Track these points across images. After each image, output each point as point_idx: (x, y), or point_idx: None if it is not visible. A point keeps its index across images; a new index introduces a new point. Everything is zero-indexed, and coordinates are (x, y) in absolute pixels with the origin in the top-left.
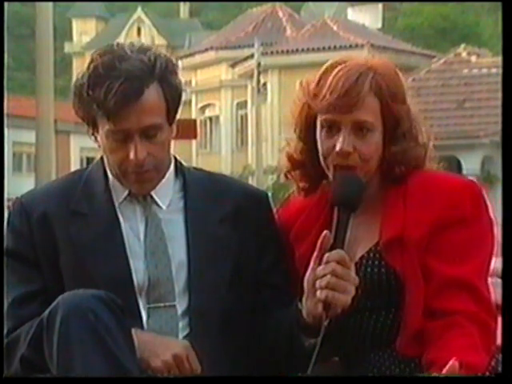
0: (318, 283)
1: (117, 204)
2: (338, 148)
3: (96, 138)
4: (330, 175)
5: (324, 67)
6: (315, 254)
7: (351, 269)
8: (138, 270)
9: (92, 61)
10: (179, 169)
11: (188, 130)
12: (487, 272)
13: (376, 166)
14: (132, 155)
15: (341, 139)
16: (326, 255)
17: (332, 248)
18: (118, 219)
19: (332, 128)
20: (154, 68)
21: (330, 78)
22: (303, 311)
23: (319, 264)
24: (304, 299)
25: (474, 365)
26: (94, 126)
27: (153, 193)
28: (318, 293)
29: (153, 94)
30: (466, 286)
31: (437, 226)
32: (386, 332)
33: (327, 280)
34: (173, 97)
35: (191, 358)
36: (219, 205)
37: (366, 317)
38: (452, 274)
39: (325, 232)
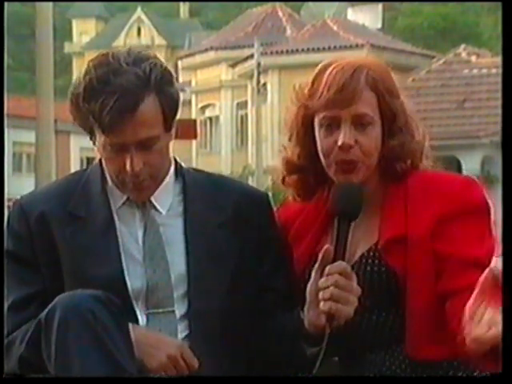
0: (320, 295)
1: (114, 208)
2: (340, 142)
3: (94, 142)
4: (331, 174)
5: (316, 70)
6: (317, 265)
7: (353, 280)
8: (136, 275)
9: (87, 71)
10: (179, 171)
11: (188, 130)
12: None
13: (376, 162)
14: (128, 167)
15: (342, 133)
16: (328, 267)
17: (333, 258)
18: (114, 223)
19: (332, 125)
20: (149, 80)
21: (325, 76)
22: (305, 321)
23: (321, 275)
24: (306, 309)
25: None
26: (91, 133)
27: (152, 198)
28: (322, 304)
29: (148, 107)
30: (482, 266)
31: (442, 220)
32: (386, 332)
33: (330, 292)
34: (170, 106)
35: (186, 356)
36: (219, 208)
37: (365, 317)
38: (468, 254)
39: (326, 246)
